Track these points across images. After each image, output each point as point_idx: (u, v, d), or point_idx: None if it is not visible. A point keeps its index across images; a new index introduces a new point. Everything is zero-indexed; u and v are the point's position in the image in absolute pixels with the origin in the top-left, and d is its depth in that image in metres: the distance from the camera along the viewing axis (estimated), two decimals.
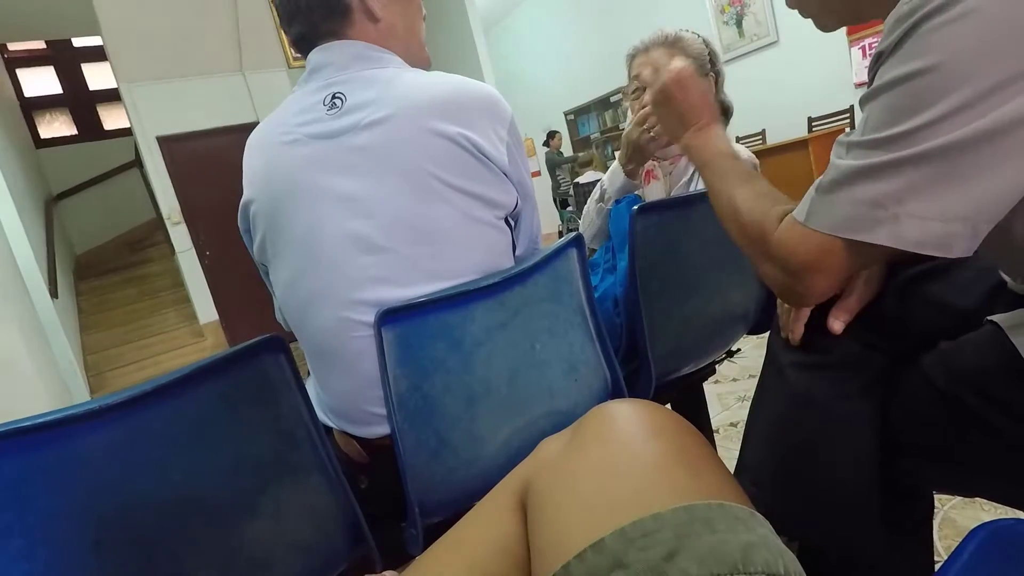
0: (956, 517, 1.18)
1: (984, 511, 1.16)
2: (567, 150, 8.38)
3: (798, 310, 0.67)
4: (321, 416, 0.75)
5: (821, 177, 0.52)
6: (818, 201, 0.51)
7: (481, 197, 0.78)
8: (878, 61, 0.48)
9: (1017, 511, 0.59)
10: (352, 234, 0.74)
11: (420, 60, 0.90)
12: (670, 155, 1.29)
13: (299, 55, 0.86)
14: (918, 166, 0.44)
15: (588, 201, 1.37)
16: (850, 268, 0.52)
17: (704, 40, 1.27)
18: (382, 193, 0.74)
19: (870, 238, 0.47)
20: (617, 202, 1.24)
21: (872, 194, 0.47)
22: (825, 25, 0.66)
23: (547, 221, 7.68)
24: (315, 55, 0.82)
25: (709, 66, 1.25)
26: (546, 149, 7.34)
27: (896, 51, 0.45)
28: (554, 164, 7.22)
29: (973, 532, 0.52)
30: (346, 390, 0.77)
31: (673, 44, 1.23)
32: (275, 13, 0.88)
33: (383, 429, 0.75)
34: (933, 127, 0.43)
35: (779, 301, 0.71)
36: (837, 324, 0.63)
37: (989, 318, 0.54)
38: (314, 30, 0.82)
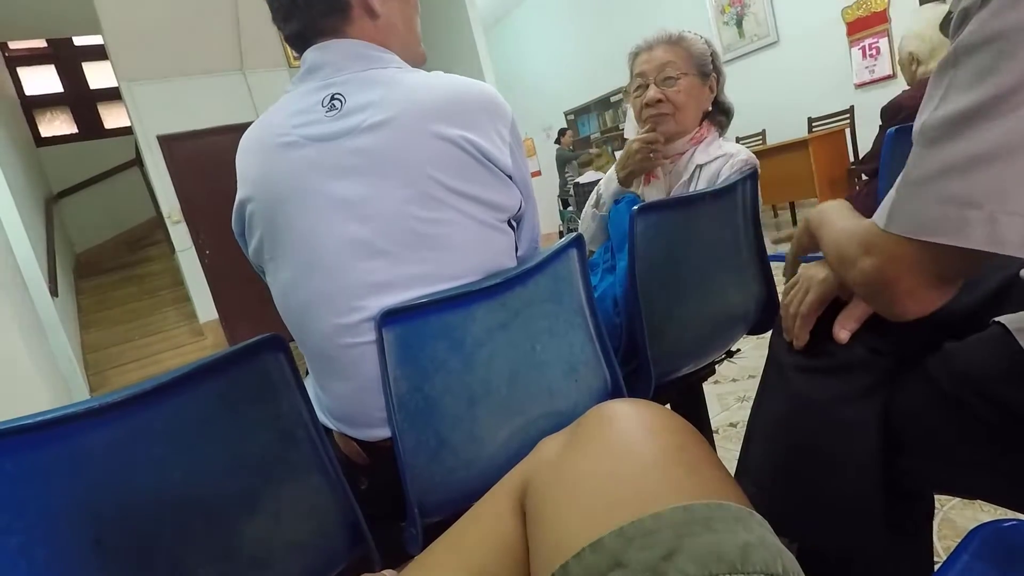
0: (955, 518, 1.18)
1: (983, 512, 1.16)
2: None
3: (804, 317, 0.65)
4: (321, 418, 0.75)
5: (902, 175, 0.46)
6: (899, 200, 0.46)
7: (484, 201, 0.78)
8: (964, 20, 0.41)
9: (1018, 513, 0.59)
10: (352, 238, 0.73)
11: (417, 57, 0.90)
12: (670, 154, 1.29)
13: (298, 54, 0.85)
14: (1014, 153, 0.38)
15: (586, 205, 1.37)
16: (947, 276, 0.47)
17: (706, 40, 1.27)
18: (383, 197, 0.73)
19: (960, 241, 0.41)
20: (616, 202, 1.24)
21: (962, 190, 0.40)
22: None
23: (552, 220, 7.67)
24: (312, 54, 0.81)
25: (711, 66, 1.25)
26: (557, 146, 7.34)
27: (986, 5, 0.39)
28: (564, 160, 7.21)
29: (972, 533, 0.53)
30: (347, 393, 0.76)
31: (677, 43, 1.24)
32: None
33: (383, 432, 0.75)
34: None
35: (783, 303, 0.70)
36: (843, 333, 0.61)
37: (996, 319, 0.54)
38: (312, 27, 0.81)
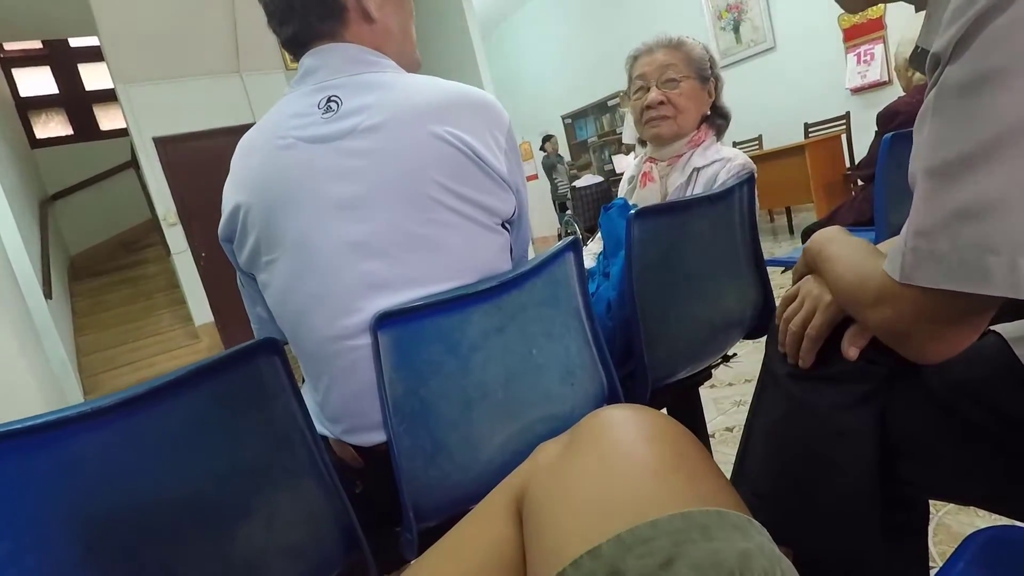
0: (951, 523, 1.18)
1: (979, 517, 1.16)
2: (564, 153, 8.39)
3: (812, 339, 0.63)
4: (317, 426, 0.75)
5: (910, 223, 0.45)
6: (912, 252, 0.44)
7: (479, 204, 0.78)
8: (936, 67, 0.42)
9: (1014, 520, 0.59)
10: (349, 240, 0.73)
11: (412, 62, 0.90)
12: (667, 157, 1.29)
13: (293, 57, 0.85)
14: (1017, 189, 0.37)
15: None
16: (972, 319, 0.46)
17: (704, 46, 1.28)
18: (380, 199, 0.73)
19: (982, 289, 0.40)
20: (607, 208, 1.25)
21: (978, 237, 0.39)
22: (851, 7, 0.61)
23: (546, 224, 7.68)
24: (308, 58, 0.81)
25: (709, 71, 1.26)
26: (543, 154, 7.36)
27: (959, 53, 0.39)
28: (550, 167, 7.23)
29: (968, 538, 0.53)
30: (342, 397, 0.76)
31: (677, 47, 1.24)
32: None
33: (379, 436, 0.75)
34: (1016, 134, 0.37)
35: (782, 316, 0.70)
36: (853, 351, 0.59)
37: (992, 328, 0.54)
38: (308, 30, 0.81)
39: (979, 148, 0.39)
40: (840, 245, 0.63)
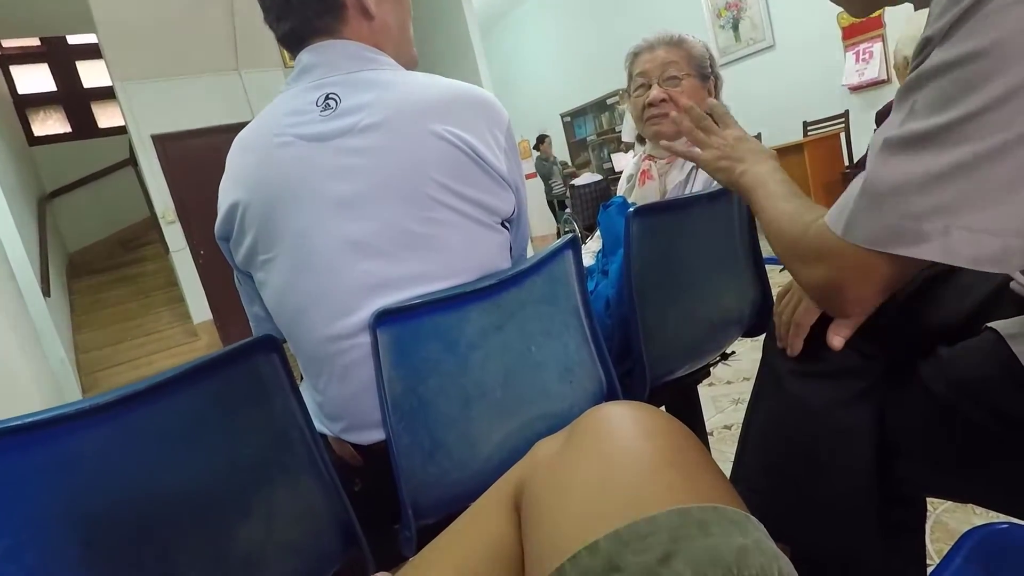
0: (948, 521, 1.18)
1: (976, 515, 1.16)
2: (563, 152, 8.39)
3: (798, 325, 0.66)
4: (316, 424, 0.75)
5: (858, 183, 0.48)
6: (858, 212, 0.47)
7: (479, 202, 0.78)
8: (925, 48, 0.44)
9: (1011, 517, 0.59)
10: (348, 239, 0.73)
11: (410, 59, 0.89)
12: (666, 155, 1.29)
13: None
14: (970, 173, 0.40)
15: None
16: (896, 279, 0.49)
17: (704, 44, 1.28)
18: (379, 197, 0.73)
19: (917, 253, 0.43)
20: (606, 206, 1.25)
21: (921, 206, 0.42)
22: (856, 11, 0.62)
23: (542, 223, 7.68)
24: (306, 55, 0.80)
25: (709, 69, 1.25)
26: (536, 153, 7.35)
27: (949, 36, 0.41)
28: (547, 174, 7.24)
29: (965, 536, 0.53)
30: (341, 396, 0.76)
31: (678, 44, 1.24)
32: None
33: (378, 434, 0.75)
34: (985, 116, 0.39)
35: (776, 309, 0.71)
36: (837, 340, 0.61)
37: (989, 325, 0.54)
38: (306, 26, 0.80)
39: (938, 129, 0.41)
40: (777, 183, 0.67)
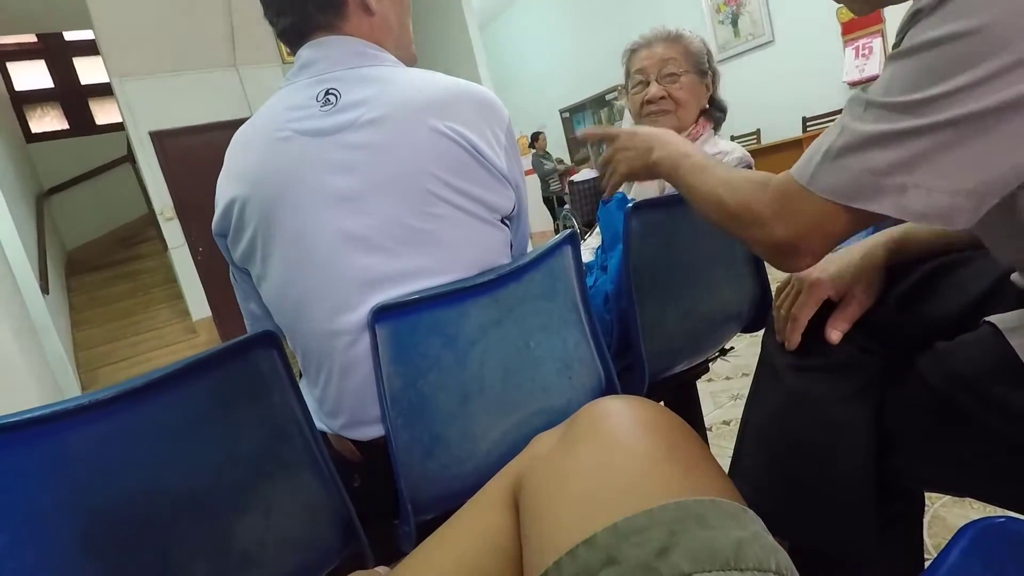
0: (945, 515, 1.18)
1: (973, 509, 1.17)
2: (562, 149, 8.38)
3: (795, 319, 0.66)
4: (316, 421, 0.75)
5: (828, 137, 0.50)
6: (824, 165, 0.49)
7: (479, 199, 0.78)
8: (913, 19, 0.45)
9: (1008, 511, 0.59)
10: (348, 234, 0.73)
11: (409, 57, 0.89)
12: None
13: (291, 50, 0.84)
14: (936, 136, 0.43)
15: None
16: (846, 234, 0.51)
17: (701, 39, 1.27)
18: (379, 193, 0.73)
19: (874, 207, 0.46)
20: (605, 202, 1.25)
21: (883, 162, 0.45)
22: (859, 9, 0.63)
23: (538, 220, 7.68)
24: (307, 50, 0.80)
25: (707, 64, 1.25)
26: (532, 151, 7.35)
27: (937, 10, 0.42)
28: (544, 173, 7.24)
29: (962, 530, 0.53)
30: (341, 392, 0.76)
31: (676, 40, 1.24)
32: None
33: (377, 430, 0.75)
34: (963, 93, 0.41)
35: (775, 304, 0.71)
36: (835, 334, 0.62)
37: (987, 319, 0.54)
38: (307, 22, 0.80)
39: (916, 102, 0.43)
40: (688, 147, 0.69)
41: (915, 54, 0.44)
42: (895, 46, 0.47)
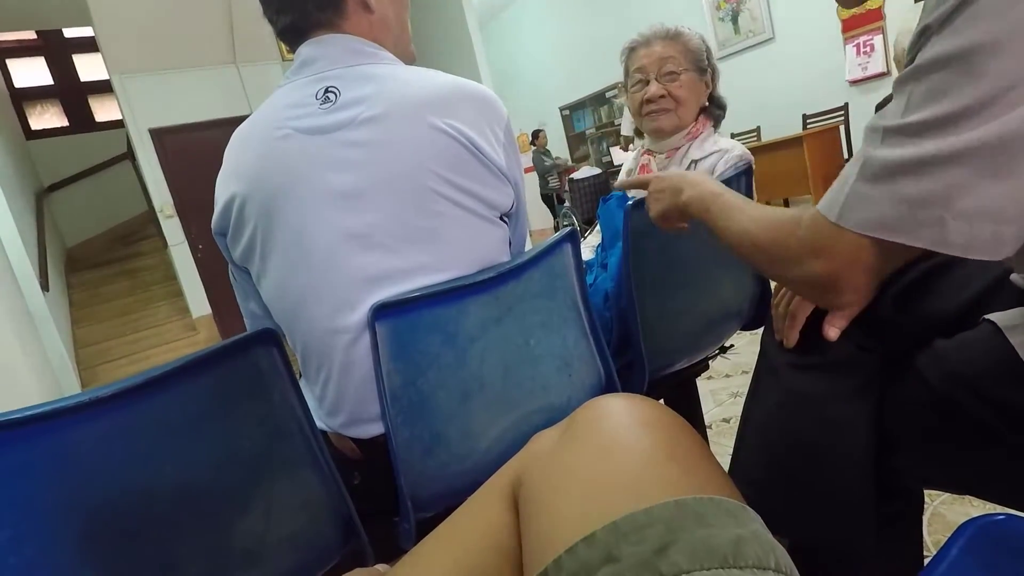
0: (945, 512, 1.19)
1: (973, 507, 1.17)
2: (562, 145, 8.37)
3: (793, 316, 0.66)
4: (316, 420, 0.75)
5: (851, 169, 0.48)
6: (854, 197, 0.46)
7: (478, 196, 0.78)
8: (923, 36, 0.43)
9: (1008, 508, 0.59)
10: (348, 231, 0.73)
11: (408, 55, 0.89)
12: (665, 149, 1.29)
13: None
14: (966, 161, 0.40)
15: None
16: (887, 265, 0.48)
17: (700, 37, 1.27)
18: (379, 190, 0.73)
19: (912, 240, 0.43)
20: (606, 199, 1.24)
21: (915, 192, 0.42)
22: (847, 1, 0.62)
23: (538, 218, 7.67)
24: (306, 48, 0.80)
25: (707, 62, 1.25)
26: (533, 148, 7.34)
27: (947, 24, 0.41)
28: (544, 171, 7.23)
29: (962, 527, 0.53)
30: (341, 390, 0.76)
31: (675, 38, 1.24)
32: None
33: (377, 428, 0.75)
34: (985, 109, 0.39)
35: (773, 301, 0.71)
36: (832, 331, 0.60)
37: (986, 317, 0.54)
38: (306, 20, 0.80)
39: (935, 120, 0.41)
40: (726, 192, 0.65)
41: (929, 72, 0.42)
42: (907, 65, 0.45)
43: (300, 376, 0.84)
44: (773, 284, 0.75)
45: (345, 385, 0.75)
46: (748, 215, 0.60)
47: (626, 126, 5.00)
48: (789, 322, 0.66)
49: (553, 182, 7.19)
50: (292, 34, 0.82)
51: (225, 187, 0.78)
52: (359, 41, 0.80)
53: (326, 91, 0.76)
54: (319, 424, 0.79)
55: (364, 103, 0.74)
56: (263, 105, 0.80)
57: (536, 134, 7.36)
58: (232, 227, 0.79)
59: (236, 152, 0.79)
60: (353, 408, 0.76)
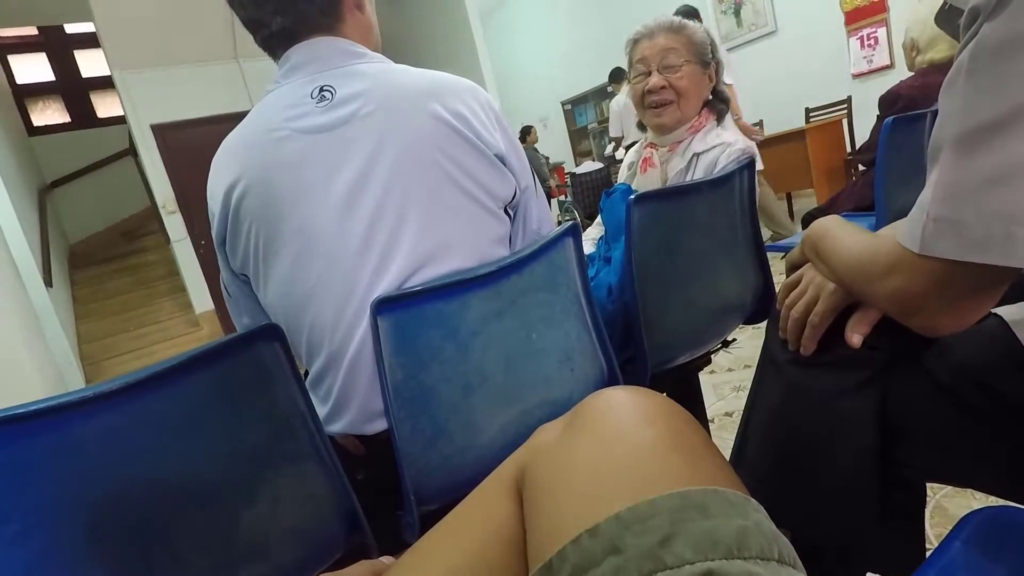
0: (947, 505, 1.19)
1: (975, 499, 1.17)
2: (564, 140, 8.35)
3: (814, 327, 0.63)
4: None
5: (925, 193, 0.43)
6: (934, 223, 0.41)
7: (481, 183, 0.78)
8: (973, 22, 0.38)
9: (1010, 501, 0.59)
10: (351, 228, 0.73)
11: (378, 45, 0.90)
12: (667, 142, 1.28)
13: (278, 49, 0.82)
14: None
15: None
16: (983, 288, 0.44)
17: (705, 30, 1.27)
18: (383, 184, 0.73)
19: (1008, 260, 0.37)
20: (609, 193, 1.24)
21: (1002, 204, 0.37)
22: None
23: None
24: (296, 52, 0.80)
25: (710, 55, 1.25)
26: (522, 145, 7.30)
27: (1004, 4, 0.36)
28: (536, 161, 7.21)
29: (964, 520, 0.53)
30: (346, 387, 0.76)
31: (678, 31, 1.23)
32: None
33: (381, 424, 0.75)
34: None
35: (784, 303, 0.69)
36: (856, 338, 0.58)
37: (993, 311, 0.54)
38: (305, 23, 0.80)
39: (1014, 112, 0.36)
40: (843, 227, 0.63)
41: (989, 61, 0.37)
42: (958, 55, 0.40)
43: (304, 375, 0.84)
44: (777, 279, 0.74)
45: (350, 381, 0.75)
46: (847, 244, 0.57)
47: (614, 127, 4.96)
48: (809, 331, 0.64)
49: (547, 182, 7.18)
50: (283, 37, 0.81)
51: (217, 191, 0.77)
52: (347, 43, 0.81)
53: (321, 90, 0.76)
54: (326, 427, 0.79)
55: (361, 98, 0.75)
56: (253, 112, 0.79)
57: (527, 130, 7.35)
58: (229, 232, 0.79)
59: (231, 157, 0.77)
60: (358, 405, 0.76)
